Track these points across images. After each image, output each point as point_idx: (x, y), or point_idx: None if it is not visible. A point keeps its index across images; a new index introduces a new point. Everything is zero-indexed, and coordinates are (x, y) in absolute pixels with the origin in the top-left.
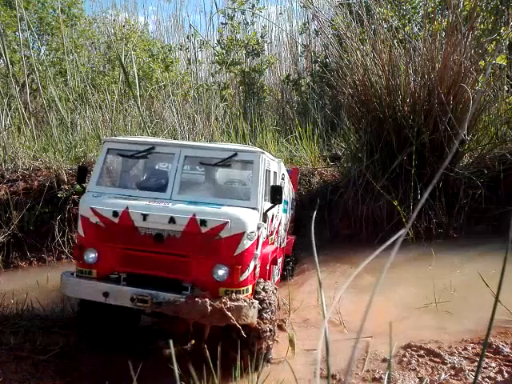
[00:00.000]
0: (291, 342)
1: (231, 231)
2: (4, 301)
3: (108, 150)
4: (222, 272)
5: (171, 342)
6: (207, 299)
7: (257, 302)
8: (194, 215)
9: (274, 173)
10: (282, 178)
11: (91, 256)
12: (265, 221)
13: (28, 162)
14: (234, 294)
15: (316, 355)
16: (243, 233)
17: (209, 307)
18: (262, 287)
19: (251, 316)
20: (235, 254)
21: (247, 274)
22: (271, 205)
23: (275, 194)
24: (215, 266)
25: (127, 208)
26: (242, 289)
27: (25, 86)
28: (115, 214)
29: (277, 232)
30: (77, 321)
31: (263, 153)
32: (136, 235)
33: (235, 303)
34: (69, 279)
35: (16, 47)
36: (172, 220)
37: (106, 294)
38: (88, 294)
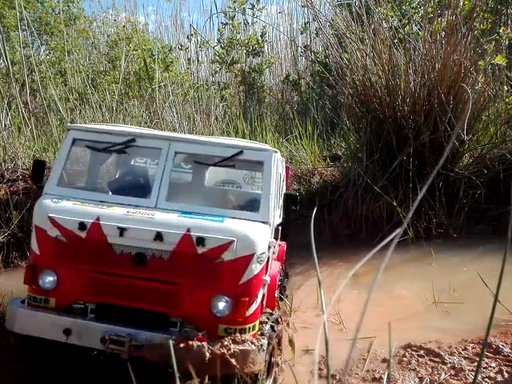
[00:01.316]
0: (291, 342)
1: (237, 253)
2: (4, 301)
3: (74, 140)
4: (223, 305)
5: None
6: (205, 342)
7: (265, 341)
8: (189, 231)
9: (280, 174)
10: (280, 176)
11: (48, 280)
12: (276, 238)
13: (28, 162)
14: (238, 334)
15: (315, 355)
16: (252, 255)
17: (207, 353)
18: (269, 321)
19: (259, 362)
20: (241, 283)
21: (254, 306)
22: (284, 218)
23: (290, 205)
24: (215, 297)
25: (98, 219)
26: (247, 326)
27: (25, 85)
28: (82, 226)
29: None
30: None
31: (276, 152)
32: (110, 255)
33: (240, 347)
34: (18, 310)
35: (17, 47)
36: (159, 236)
37: (67, 332)
38: (43, 331)
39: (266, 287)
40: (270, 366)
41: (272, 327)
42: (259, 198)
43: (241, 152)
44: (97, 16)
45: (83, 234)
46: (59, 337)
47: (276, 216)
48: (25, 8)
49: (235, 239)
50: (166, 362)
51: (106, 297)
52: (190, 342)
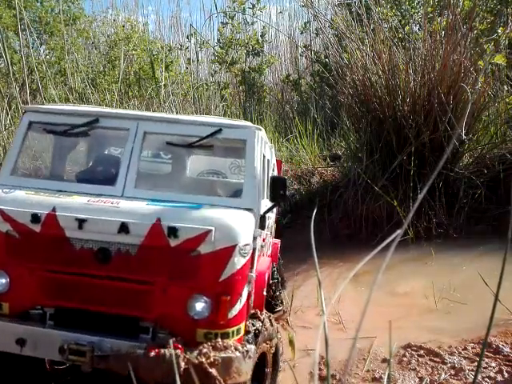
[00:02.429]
0: (291, 342)
1: (216, 244)
2: None
3: (30, 123)
4: (201, 306)
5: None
6: (179, 350)
7: (253, 347)
8: (159, 220)
9: (268, 161)
10: (273, 169)
11: None
12: (263, 227)
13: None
14: (219, 340)
15: (315, 355)
16: (234, 247)
17: (182, 363)
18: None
19: (245, 372)
20: (222, 279)
21: (238, 306)
22: (271, 204)
23: (278, 189)
24: (191, 297)
25: (54, 209)
26: (230, 330)
27: (25, 85)
28: (35, 218)
29: (266, 236)
30: None
31: (259, 129)
32: (68, 251)
33: (222, 354)
34: None
35: (16, 47)
36: (124, 228)
37: (21, 342)
38: None
39: (253, 284)
40: (262, 379)
41: (257, 331)
42: (242, 182)
43: (219, 130)
44: (97, 16)
45: (37, 228)
46: (12, 348)
47: (262, 204)
48: (24, 8)
49: (213, 228)
50: (135, 375)
51: (66, 300)
52: (163, 351)
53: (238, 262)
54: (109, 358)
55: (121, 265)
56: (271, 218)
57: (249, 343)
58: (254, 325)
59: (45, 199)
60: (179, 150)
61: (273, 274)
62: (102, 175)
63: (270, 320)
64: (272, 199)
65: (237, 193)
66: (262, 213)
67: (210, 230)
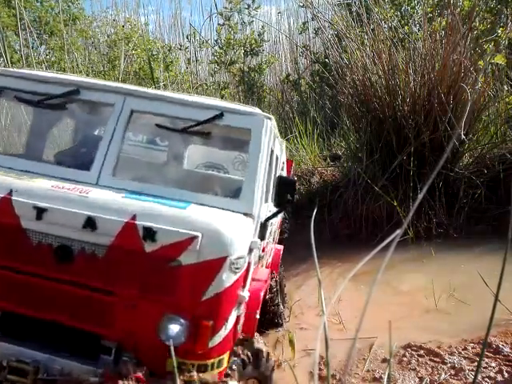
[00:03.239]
0: (291, 342)
1: (201, 255)
2: None
3: (1, 89)
4: (176, 329)
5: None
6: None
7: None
8: (134, 218)
9: (277, 158)
10: (282, 168)
11: None
12: (263, 237)
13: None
14: (194, 373)
15: (315, 355)
16: (224, 259)
17: None
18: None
19: None
20: (205, 299)
21: (223, 333)
22: (275, 210)
23: (285, 193)
24: (165, 316)
25: (10, 193)
26: (210, 362)
27: None
28: None
29: (267, 245)
30: None
31: (269, 118)
32: (23, 245)
33: None
34: None
35: (16, 47)
36: (90, 223)
37: None
38: None
39: (244, 306)
40: None
41: (243, 362)
42: (242, 179)
43: (220, 115)
44: (97, 16)
45: None
46: None
47: (264, 209)
48: (24, 8)
49: (199, 235)
50: None
51: (15, 303)
52: (120, 381)
53: (228, 278)
54: (55, 383)
55: (84, 268)
56: (274, 222)
57: (231, 380)
58: (241, 356)
59: (1, 180)
60: (175, 137)
61: (271, 286)
62: (79, 158)
63: (263, 353)
64: (277, 204)
65: (235, 193)
66: (263, 220)
67: (196, 237)
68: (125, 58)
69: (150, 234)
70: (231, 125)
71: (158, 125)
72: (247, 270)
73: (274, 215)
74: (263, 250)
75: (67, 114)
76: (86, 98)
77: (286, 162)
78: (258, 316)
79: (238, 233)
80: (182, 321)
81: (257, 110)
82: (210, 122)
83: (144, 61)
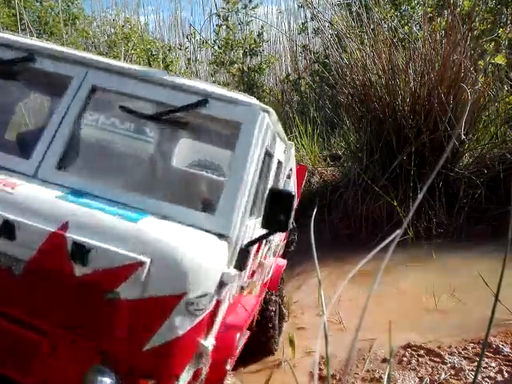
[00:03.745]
0: (291, 342)
1: (148, 289)
2: None
3: None
4: None
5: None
6: None
7: None
8: (64, 228)
9: (279, 163)
10: (289, 176)
11: None
12: (241, 267)
13: None
14: None
15: (315, 355)
16: (178, 298)
17: None
18: None
19: None
20: (148, 348)
21: None
22: (264, 232)
23: (276, 211)
24: (93, 367)
25: None
26: None
27: None
28: None
29: (259, 266)
30: None
31: (267, 111)
32: None
33: None
34: None
35: None
36: (7, 229)
37: None
38: None
39: (208, 357)
40: None
41: None
42: (221, 189)
43: (203, 102)
44: (97, 16)
45: None
46: None
47: (248, 228)
48: (24, 7)
49: (147, 260)
50: None
51: None
52: None
53: (182, 323)
54: None
55: None
56: (276, 238)
57: None
58: None
59: None
60: (159, 126)
61: (266, 305)
62: (27, 142)
63: None
64: (265, 225)
65: (210, 206)
66: (244, 244)
67: (142, 263)
68: (124, 58)
69: (81, 251)
70: (216, 115)
71: (122, 107)
72: (214, 311)
73: (261, 239)
74: (251, 275)
75: (21, 87)
76: (41, 68)
77: (295, 170)
78: (228, 367)
79: (204, 261)
80: (113, 375)
81: (251, 100)
82: (188, 110)
83: (144, 61)
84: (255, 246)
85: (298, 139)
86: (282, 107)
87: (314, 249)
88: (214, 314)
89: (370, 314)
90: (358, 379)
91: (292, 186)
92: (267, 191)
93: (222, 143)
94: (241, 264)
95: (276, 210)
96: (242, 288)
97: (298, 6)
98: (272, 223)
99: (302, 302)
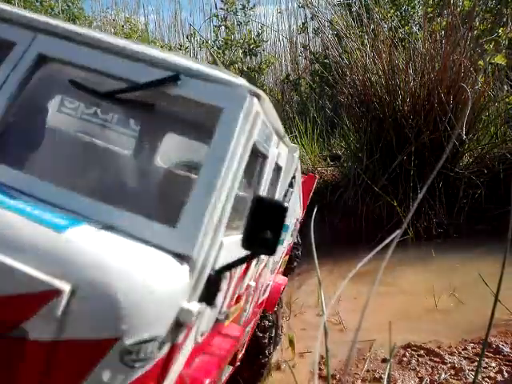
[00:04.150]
0: (291, 342)
1: (66, 327)
2: None
3: None
4: None
5: None
6: None
7: None
8: None
9: (278, 168)
10: (291, 185)
11: None
12: (211, 299)
13: None
14: None
15: (315, 355)
16: (109, 342)
17: None
18: None
19: None
20: None
21: None
22: (245, 254)
23: (262, 227)
24: None
25: None
26: None
27: None
28: None
29: (247, 289)
30: None
31: (257, 95)
32: None
33: None
34: None
35: None
36: None
37: None
38: None
39: None
40: None
41: None
42: (190, 192)
43: (174, 78)
44: (97, 16)
45: None
46: None
47: (224, 247)
48: (24, 7)
49: (66, 289)
50: None
51: None
52: None
53: (114, 379)
54: None
55: None
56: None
57: None
58: None
59: None
60: (116, 108)
61: (260, 330)
62: None
63: None
64: (245, 243)
65: (172, 215)
66: (215, 269)
67: (59, 292)
68: None
69: None
70: (189, 96)
71: (73, 82)
72: (168, 359)
73: (240, 263)
74: (235, 301)
75: None
76: None
77: (300, 179)
78: None
79: (151, 293)
80: None
81: (237, 79)
82: (152, 88)
83: None
84: (241, 267)
85: (298, 139)
86: (282, 107)
87: (314, 249)
88: (167, 363)
89: (370, 314)
90: (358, 379)
91: (296, 197)
92: (254, 198)
93: (196, 134)
94: (210, 296)
95: (261, 225)
96: (219, 320)
97: (298, 5)
98: (254, 242)
99: (302, 302)
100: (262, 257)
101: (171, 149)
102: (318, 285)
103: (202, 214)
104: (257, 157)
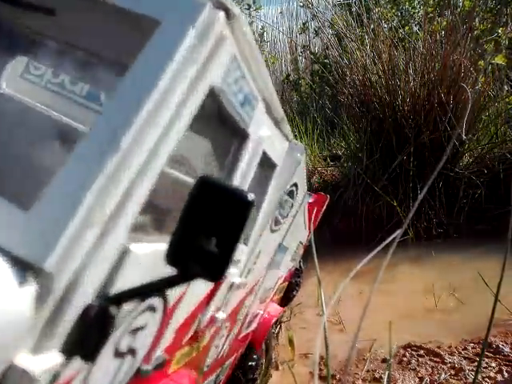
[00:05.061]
0: (291, 342)
1: None
2: None
3: None
4: None
5: None
6: None
7: None
8: None
9: (270, 163)
10: (291, 194)
11: None
12: (89, 352)
13: None
14: None
15: (315, 355)
16: None
17: None
18: None
19: None
20: None
21: None
22: (173, 274)
23: (206, 231)
24: None
25: None
26: None
27: None
28: None
29: (211, 323)
30: None
31: (225, 9)
32: None
33: None
34: None
35: None
36: None
37: None
38: None
39: None
40: None
41: None
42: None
43: None
44: None
45: None
46: None
47: (130, 258)
48: None
49: None
50: None
51: None
52: None
53: None
54: None
55: None
56: (273, 276)
57: None
58: None
59: None
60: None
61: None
62: None
63: None
64: (170, 257)
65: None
66: (106, 295)
67: None
68: None
69: None
70: (117, 3)
71: None
72: None
73: (151, 289)
74: (192, 340)
75: None
76: None
77: (311, 198)
78: None
79: None
80: None
81: None
82: None
83: None
84: (199, 295)
85: (298, 139)
86: (282, 107)
87: (314, 249)
88: None
89: (370, 314)
90: (358, 379)
91: (300, 214)
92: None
93: (116, 57)
94: (89, 343)
95: (203, 227)
96: (144, 373)
97: (300, 5)
98: (186, 256)
99: (302, 302)
100: (241, 279)
101: None
102: (318, 285)
103: (77, 197)
104: (223, 124)
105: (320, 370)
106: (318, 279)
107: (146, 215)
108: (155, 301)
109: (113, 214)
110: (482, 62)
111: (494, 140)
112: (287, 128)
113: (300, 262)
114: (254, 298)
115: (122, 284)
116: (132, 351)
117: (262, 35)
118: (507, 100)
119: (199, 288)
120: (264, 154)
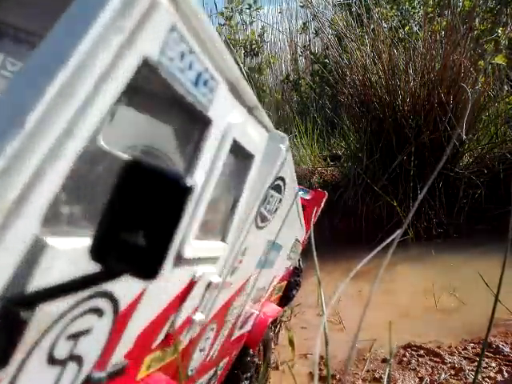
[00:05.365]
0: (291, 342)
1: None
2: None
3: None
4: None
5: None
6: None
7: None
8: None
9: (246, 154)
10: (277, 188)
11: None
12: None
13: None
14: None
15: (315, 355)
16: None
17: None
18: None
19: None
20: None
21: None
22: (96, 271)
23: (133, 224)
24: None
25: None
26: None
27: None
28: None
29: (188, 324)
30: None
31: None
32: None
33: None
34: None
35: None
36: None
37: None
38: None
39: None
40: None
41: None
42: None
43: None
44: None
45: None
46: None
47: (48, 252)
48: None
49: None
50: None
51: None
52: None
53: None
54: None
55: None
56: (269, 275)
57: None
58: None
59: None
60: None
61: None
62: None
63: None
64: (94, 252)
65: None
66: (13, 297)
67: None
68: None
69: None
70: None
71: None
72: None
73: (68, 289)
74: (164, 344)
75: None
76: None
77: (309, 196)
78: None
79: None
80: None
81: None
82: None
83: None
84: (166, 295)
85: (298, 139)
86: (282, 107)
87: (314, 249)
88: None
89: (370, 314)
90: (358, 379)
91: (294, 210)
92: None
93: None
94: None
95: (132, 219)
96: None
97: (300, 5)
98: (111, 251)
99: (302, 302)
100: (221, 278)
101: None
102: (318, 284)
103: None
104: (174, 106)
105: (320, 370)
106: (318, 279)
107: (68, 205)
108: (99, 302)
109: (16, 200)
110: (481, 62)
111: (494, 140)
112: (265, 117)
113: (299, 260)
114: (245, 298)
115: (37, 283)
116: (75, 358)
117: (261, 35)
118: (507, 100)
119: (165, 288)
120: (235, 142)
